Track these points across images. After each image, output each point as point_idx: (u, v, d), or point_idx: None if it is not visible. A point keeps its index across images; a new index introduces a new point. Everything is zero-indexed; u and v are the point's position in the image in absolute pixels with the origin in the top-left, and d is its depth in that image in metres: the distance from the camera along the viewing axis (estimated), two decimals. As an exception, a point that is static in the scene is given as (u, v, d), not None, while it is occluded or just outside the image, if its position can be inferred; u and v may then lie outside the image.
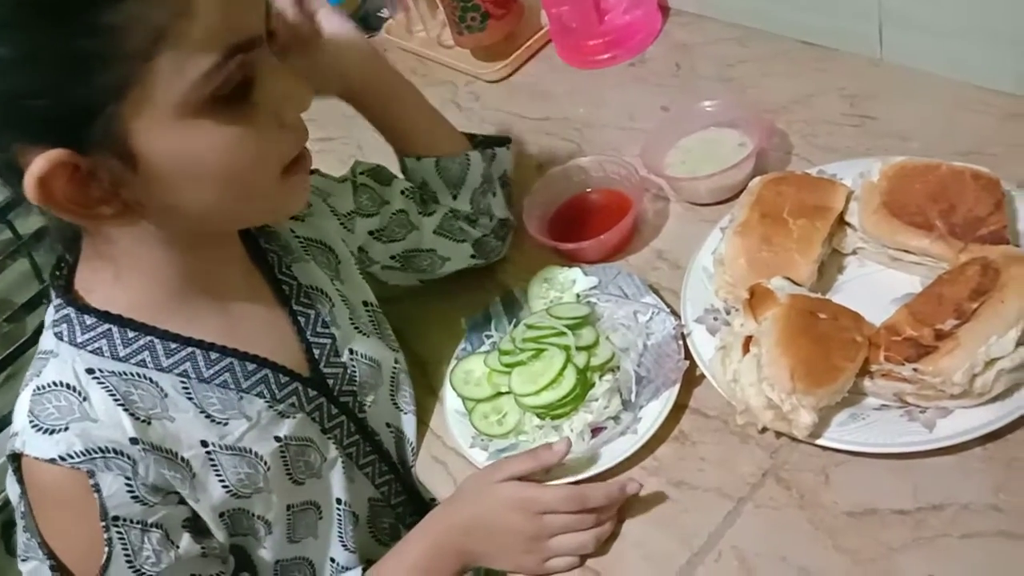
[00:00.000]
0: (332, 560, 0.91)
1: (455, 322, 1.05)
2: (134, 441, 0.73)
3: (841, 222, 0.93)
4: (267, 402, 0.82)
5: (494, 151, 1.08)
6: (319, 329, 0.89)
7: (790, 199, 0.93)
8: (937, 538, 0.74)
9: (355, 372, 0.92)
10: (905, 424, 0.78)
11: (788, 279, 0.87)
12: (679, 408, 0.90)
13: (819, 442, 0.80)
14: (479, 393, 0.96)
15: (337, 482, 0.89)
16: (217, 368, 0.80)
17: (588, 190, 1.14)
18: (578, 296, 1.03)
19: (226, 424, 0.79)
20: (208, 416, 0.78)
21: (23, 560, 0.75)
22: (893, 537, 0.75)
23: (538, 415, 0.92)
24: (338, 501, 0.90)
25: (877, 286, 0.90)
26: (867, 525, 0.77)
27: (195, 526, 0.78)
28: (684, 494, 0.85)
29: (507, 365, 0.95)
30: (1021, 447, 0.76)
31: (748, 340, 0.84)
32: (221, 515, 0.80)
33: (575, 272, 1.04)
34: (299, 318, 0.88)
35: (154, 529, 0.74)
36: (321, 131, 1.49)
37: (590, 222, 1.10)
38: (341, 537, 0.90)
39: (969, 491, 0.75)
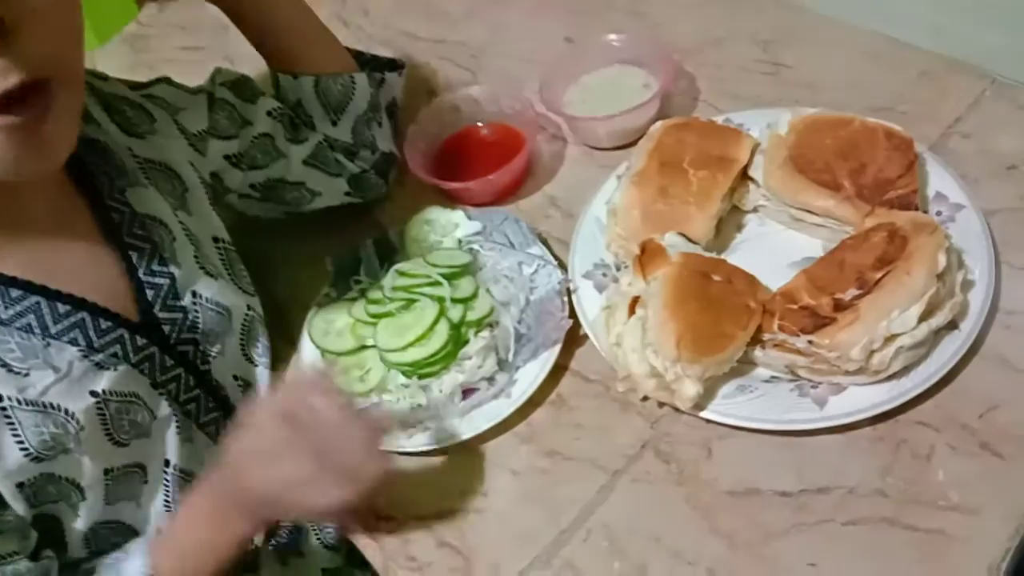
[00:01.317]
0: (159, 532, 0.79)
1: (320, 263, 0.94)
2: None
3: (744, 176, 0.85)
4: (81, 351, 0.69)
5: (383, 75, 0.96)
6: (155, 267, 0.77)
7: (692, 148, 0.85)
8: (819, 524, 0.69)
9: (198, 318, 0.80)
10: (795, 399, 0.72)
11: (683, 235, 0.80)
12: (559, 370, 0.82)
13: (703, 414, 0.74)
14: (340, 345, 0.86)
15: (170, 443, 0.78)
16: (18, 309, 0.67)
17: (479, 124, 1.04)
18: (460, 242, 0.93)
19: (27, 375, 0.67)
20: (3, 365, 0.66)
21: None
22: (773, 520, 0.70)
23: (404, 373, 0.83)
24: (166, 464, 0.78)
25: (777, 247, 0.84)
26: (747, 506, 0.71)
27: None
28: (557, 465, 0.78)
29: (374, 316, 0.85)
30: (912, 429, 0.71)
31: (635, 301, 0.76)
32: (20, 485, 0.68)
33: (458, 215, 0.95)
34: (130, 253, 0.76)
35: None
36: (190, 39, 1.34)
37: (479, 160, 0.99)
38: (168, 504, 0.80)
39: (856, 474, 0.70)
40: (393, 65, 0.99)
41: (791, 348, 0.72)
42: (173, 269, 0.78)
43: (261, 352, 0.88)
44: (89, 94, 0.79)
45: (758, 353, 0.75)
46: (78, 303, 0.70)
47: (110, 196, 0.76)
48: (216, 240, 0.86)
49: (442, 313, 0.83)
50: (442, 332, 0.82)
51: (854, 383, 0.71)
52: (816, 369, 0.72)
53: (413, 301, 0.84)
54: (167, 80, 0.89)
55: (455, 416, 0.81)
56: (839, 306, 0.70)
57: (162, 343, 0.76)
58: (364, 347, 0.86)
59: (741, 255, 0.84)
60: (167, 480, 0.78)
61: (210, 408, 0.82)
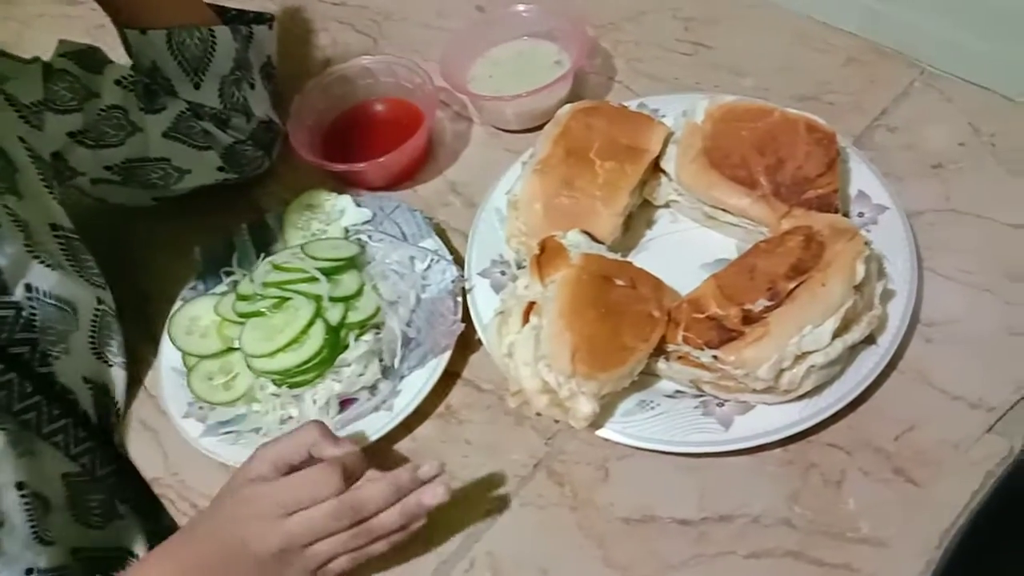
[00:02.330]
0: (29, 572, 0.69)
1: (188, 250, 0.84)
2: None
3: (656, 168, 0.78)
4: None
5: (251, 29, 0.85)
6: None
7: (600, 135, 0.77)
8: (720, 555, 0.63)
9: (34, 314, 0.70)
10: (698, 419, 0.66)
11: (587, 234, 0.72)
12: (449, 377, 0.75)
13: (600, 433, 0.67)
14: (203, 348, 0.77)
15: (8, 463, 0.67)
16: None
17: (373, 99, 0.94)
18: (346, 231, 0.84)
19: None
20: None
21: None
22: (671, 551, 0.64)
23: (274, 381, 0.74)
24: (20, 487, 0.67)
25: (688, 247, 0.77)
26: (644, 534, 0.65)
27: None
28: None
29: (243, 315, 0.76)
30: (823, 451, 0.66)
31: (530, 306, 0.68)
32: None
33: (345, 200, 0.85)
34: None
35: None
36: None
37: (372, 139, 0.91)
38: (36, 533, 0.69)
39: (762, 500, 0.65)
40: (261, 19, 0.88)
41: (696, 362, 0.66)
42: None
43: (116, 350, 0.79)
44: None
45: (661, 365, 0.68)
46: None
47: None
48: (54, 227, 0.75)
49: (318, 314, 0.74)
50: (317, 336, 0.73)
51: (762, 402, 0.65)
52: (722, 386, 0.66)
53: (286, 299, 0.75)
54: None
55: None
56: (748, 318, 0.64)
57: None
58: (231, 349, 0.77)
59: (650, 254, 0.77)
60: (28, 506, 0.67)
61: (55, 416, 0.72)
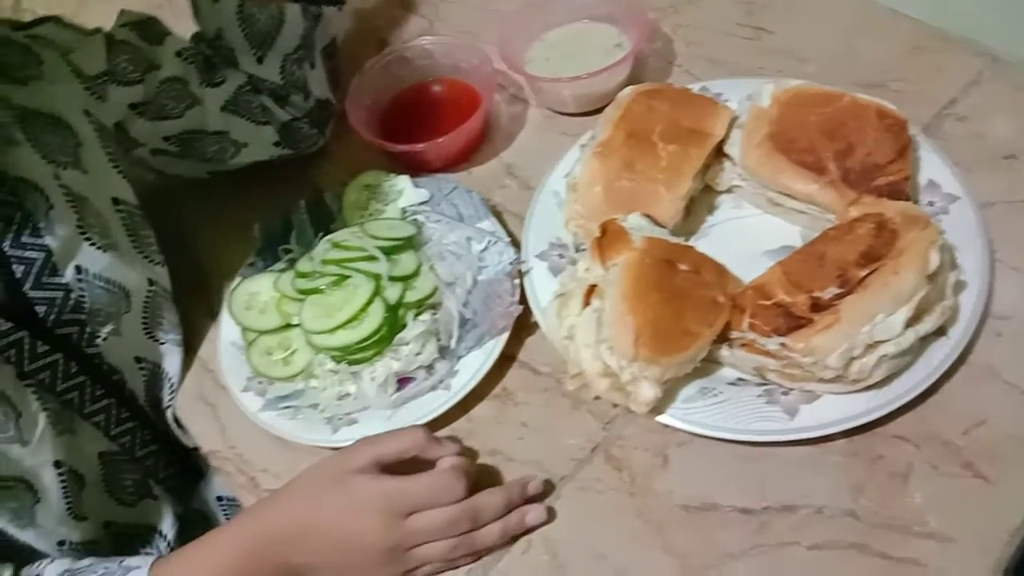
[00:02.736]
0: (61, 544, 0.70)
1: (247, 227, 0.85)
2: None
3: (719, 153, 0.77)
4: None
5: (320, 10, 0.84)
6: (25, 239, 0.67)
7: (663, 118, 0.76)
8: (782, 546, 0.62)
9: (83, 297, 0.70)
10: (762, 407, 0.65)
11: (648, 217, 0.71)
12: (505, 360, 0.74)
13: (660, 419, 0.67)
14: (263, 323, 0.77)
15: (48, 441, 0.68)
16: None
17: (431, 80, 0.94)
18: (403, 211, 0.84)
19: None
20: None
21: None
22: (731, 540, 0.63)
23: (333, 358, 0.74)
24: (57, 465, 0.68)
25: (751, 233, 0.76)
26: (704, 522, 0.64)
27: None
28: (498, 466, 0.70)
29: (302, 291, 0.76)
30: (890, 444, 0.64)
31: (591, 289, 0.68)
32: None
33: (403, 181, 0.85)
34: None
35: None
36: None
37: (429, 120, 0.90)
38: (71, 508, 0.70)
39: (825, 491, 0.64)
40: (334, 0, 0.87)
41: (761, 349, 0.65)
42: (48, 241, 0.68)
43: (167, 329, 0.79)
44: None
45: (724, 352, 0.67)
46: None
47: None
48: (117, 201, 0.76)
49: (377, 292, 0.74)
50: (376, 314, 0.73)
51: (829, 391, 0.64)
52: (788, 374, 0.64)
53: (346, 277, 0.75)
54: (56, 19, 0.78)
55: (387, 408, 0.73)
56: (817, 306, 0.63)
57: (34, 326, 0.67)
58: (289, 326, 0.77)
59: (711, 241, 0.76)
60: (64, 483, 0.68)
61: (97, 396, 0.73)
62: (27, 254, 0.67)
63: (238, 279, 0.81)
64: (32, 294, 0.67)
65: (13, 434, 0.65)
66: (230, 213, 0.89)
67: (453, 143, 0.87)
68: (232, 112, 0.83)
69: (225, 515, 0.85)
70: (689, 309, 0.65)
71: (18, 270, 0.66)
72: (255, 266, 0.82)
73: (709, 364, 0.68)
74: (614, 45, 0.90)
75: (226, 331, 0.79)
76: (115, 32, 0.79)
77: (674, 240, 0.70)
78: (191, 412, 0.79)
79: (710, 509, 0.65)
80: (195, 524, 0.80)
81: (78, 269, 0.70)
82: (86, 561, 0.67)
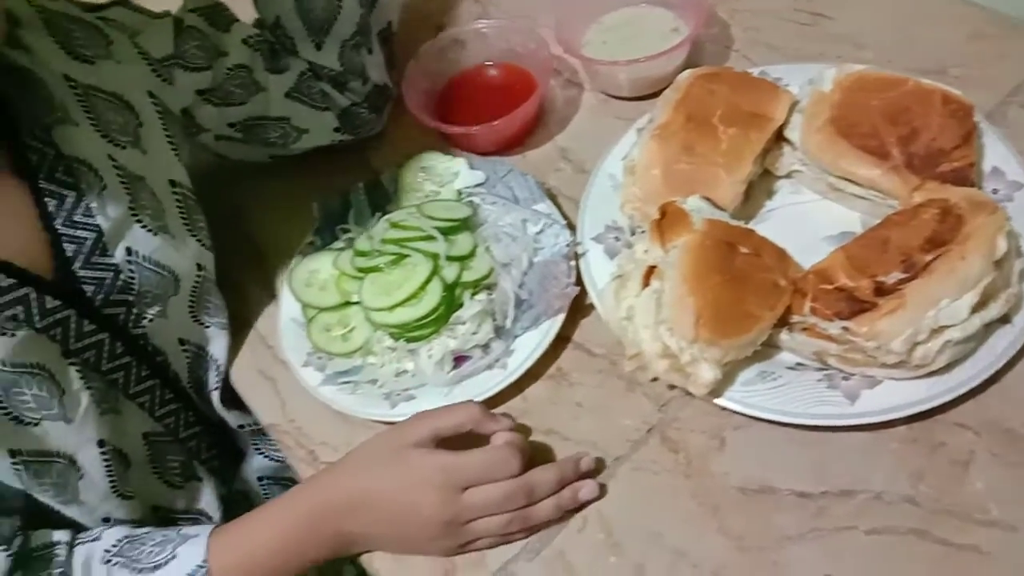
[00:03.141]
0: (106, 520, 0.72)
1: (305, 206, 0.86)
2: None
3: (779, 137, 0.77)
4: None
5: None
6: (77, 218, 0.67)
7: (723, 101, 0.76)
8: (840, 530, 0.62)
9: (132, 278, 0.71)
10: (822, 391, 0.65)
11: (708, 200, 0.71)
12: (560, 341, 0.75)
13: (718, 401, 0.67)
14: (323, 300, 0.79)
15: (92, 420, 0.68)
16: None
17: (487, 63, 0.94)
18: (459, 193, 0.85)
19: None
20: None
21: None
22: (789, 523, 0.63)
23: (391, 335, 0.75)
24: (101, 444, 0.69)
25: (810, 219, 0.76)
26: (760, 505, 0.64)
27: None
28: (553, 445, 0.71)
29: (361, 270, 0.77)
30: (950, 431, 0.64)
31: (650, 271, 0.68)
32: None
33: (459, 163, 0.86)
34: (46, 199, 0.66)
35: None
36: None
37: (484, 103, 0.91)
38: (115, 487, 0.71)
39: (884, 477, 0.63)
40: None
41: (822, 334, 0.65)
42: (100, 221, 0.68)
43: (212, 311, 0.80)
44: (29, 16, 0.70)
45: (784, 337, 0.67)
46: None
47: (30, 134, 0.66)
48: (173, 184, 0.76)
49: (436, 271, 0.75)
50: (435, 292, 0.74)
51: (891, 377, 0.64)
52: (849, 359, 0.64)
53: (404, 256, 0.76)
54: (125, 2, 0.79)
55: (444, 385, 0.74)
56: (881, 290, 0.62)
57: (81, 304, 0.67)
58: (348, 303, 0.78)
59: (770, 225, 0.75)
60: (108, 462, 0.70)
61: (143, 377, 0.74)
62: (78, 233, 0.67)
63: (298, 257, 0.83)
64: (81, 273, 0.67)
65: (57, 411, 0.65)
66: (289, 193, 0.90)
67: (508, 126, 0.88)
68: (295, 98, 0.84)
69: (266, 495, 0.87)
70: (750, 292, 0.65)
71: (69, 248, 0.66)
72: (313, 245, 0.84)
73: (768, 348, 0.68)
74: (671, 29, 0.90)
75: (286, 308, 0.81)
76: (184, 17, 0.80)
77: (734, 223, 0.70)
78: (251, 386, 0.80)
79: (767, 492, 0.65)
80: (238, 504, 0.81)
81: (128, 251, 0.70)
82: (144, 529, 0.69)
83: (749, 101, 0.76)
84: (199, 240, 0.78)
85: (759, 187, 0.78)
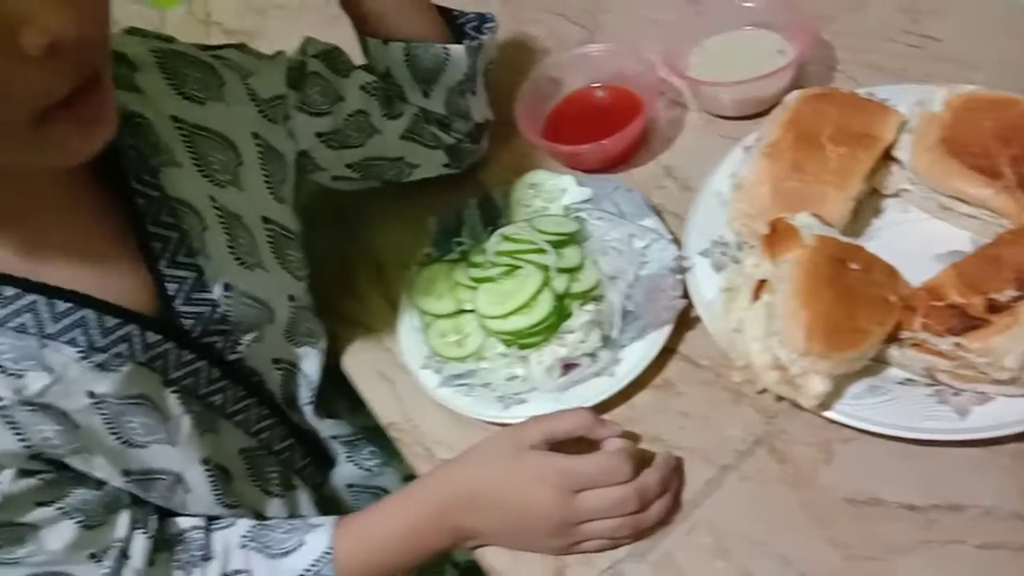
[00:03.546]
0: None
1: (422, 221, 0.91)
2: None
3: (887, 157, 0.78)
4: (80, 351, 0.62)
5: (480, 42, 0.87)
6: (180, 258, 0.69)
7: (832, 121, 0.78)
8: (949, 544, 0.63)
9: (229, 311, 0.72)
10: (932, 406, 0.66)
11: (817, 216, 0.73)
12: (666, 352, 0.77)
13: (827, 414, 0.68)
14: (439, 308, 0.83)
15: (194, 441, 0.71)
16: (14, 308, 0.60)
17: (595, 85, 0.98)
18: (567, 209, 0.88)
19: (21, 377, 0.61)
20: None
21: None
22: (897, 535, 0.64)
23: (504, 341, 0.79)
24: (205, 462, 0.72)
25: (919, 238, 0.76)
26: (868, 517, 0.65)
27: None
28: (659, 452, 0.73)
29: (475, 280, 0.82)
30: (1065, 450, 0.64)
31: (761, 285, 0.70)
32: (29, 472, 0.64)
33: (567, 180, 0.90)
34: (153, 244, 0.67)
35: None
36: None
37: (592, 123, 0.94)
38: (220, 499, 0.75)
39: (993, 493, 0.64)
40: (483, 19, 0.89)
41: (932, 350, 0.65)
42: (201, 261, 0.70)
43: (307, 332, 0.83)
44: (143, 58, 0.73)
45: (894, 352, 0.68)
46: (80, 300, 0.63)
47: (138, 179, 0.68)
48: (266, 220, 0.78)
49: (546, 282, 0.78)
50: (545, 302, 0.78)
51: (1003, 393, 0.64)
52: (960, 375, 0.65)
53: (516, 267, 0.80)
54: (240, 46, 0.82)
55: (553, 391, 0.77)
56: (994, 307, 0.63)
57: (180, 338, 0.69)
58: (463, 311, 0.82)
59: (879, 243, 0.76)
60: (212, 478, 0.73)
61: (239, 397, 0.76)
62: (180, 273, 0.68)
63: (415, 268, 0.87)
64: (181, 309, 0.68)
65: (163, 436, 0.69)
66: (405, 210, 0.95)
67: (616, 145, 0.91)
68: (409, 139, 0.88)
69: (355, 502, 0.89)
70: (861, 307, 0.66)
71: (171, 288, 0.68)
72: (430, 256, 0.88)
73: (877, 364, 0.69)
74: (776, 51, 0.92)
75: (405, 315, 0.85)
76: (307, 62, 0.83)
77: (845, 240, 0.71)
78: (371, 387, 0.85)
79: (875, 504, 0.66)
80: (331, 512, 0.80)
81: (226, 286, 0.71)
82: (272, 520, 0.74)
83: (858, 121, 0.78)
84: (290, 272, 0.79)
85: (867, 205, 0.79)
